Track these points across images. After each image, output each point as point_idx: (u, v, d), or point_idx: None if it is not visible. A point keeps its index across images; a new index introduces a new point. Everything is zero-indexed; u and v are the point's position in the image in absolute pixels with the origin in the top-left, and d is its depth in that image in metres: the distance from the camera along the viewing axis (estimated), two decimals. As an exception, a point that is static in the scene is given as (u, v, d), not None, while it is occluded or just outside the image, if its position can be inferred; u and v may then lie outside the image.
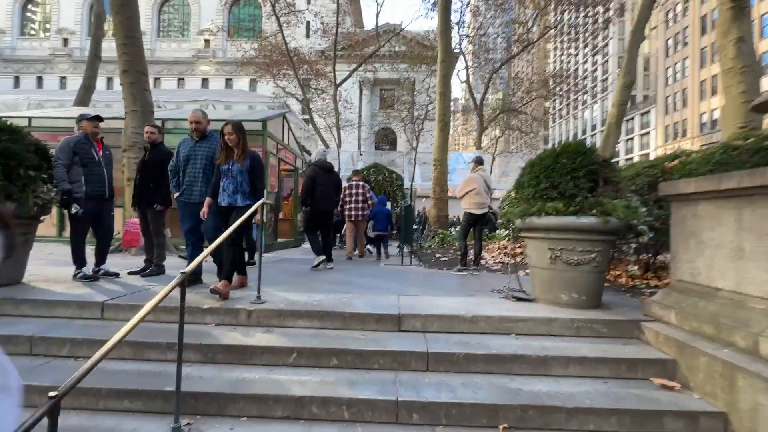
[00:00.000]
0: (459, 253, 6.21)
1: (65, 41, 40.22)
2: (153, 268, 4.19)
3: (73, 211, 3.67)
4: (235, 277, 3.52)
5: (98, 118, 4.01)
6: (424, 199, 28.10)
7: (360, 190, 6.68)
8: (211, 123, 4.07)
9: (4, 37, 39.07)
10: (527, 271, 3.70)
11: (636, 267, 4.43)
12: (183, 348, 1.99)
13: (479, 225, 5.20)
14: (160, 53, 42.26)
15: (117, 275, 3.99)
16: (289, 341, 2.57)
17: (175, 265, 4.81)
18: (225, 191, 3.42)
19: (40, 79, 40.06)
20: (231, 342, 2.56)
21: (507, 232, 3.89)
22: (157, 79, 42.14)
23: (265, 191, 3.49)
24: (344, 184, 6.67)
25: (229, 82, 41.86)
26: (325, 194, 5.22)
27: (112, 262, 4.41)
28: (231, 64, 40.04)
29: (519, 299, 3.30)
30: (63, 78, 40.20)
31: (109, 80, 37.87)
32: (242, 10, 41.52)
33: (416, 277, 4.73)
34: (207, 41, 42.08)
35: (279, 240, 8.79)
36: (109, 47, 9.28)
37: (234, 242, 3.32)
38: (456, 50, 20.19)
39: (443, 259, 6.67)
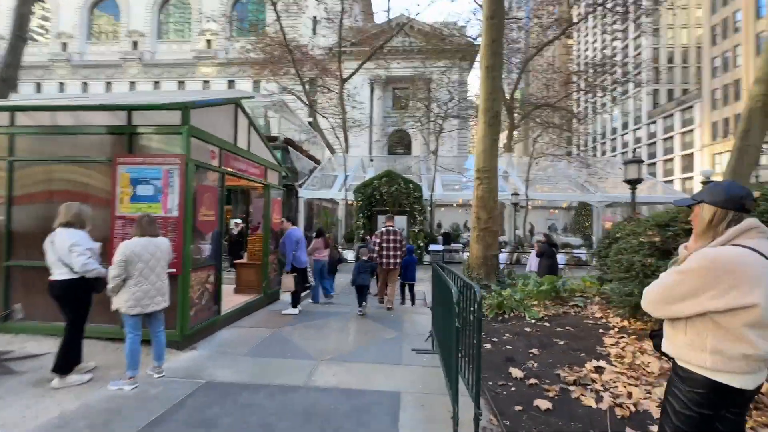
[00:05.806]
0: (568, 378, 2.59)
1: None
2: None
3: None
4: None
5: None
6: (442, 208, 24.45)
7: (398, 237, 6.60)
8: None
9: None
10: None
11: None
12: None
13: (736, 417, 1.62)
14: (159, 56, 40.18)
15: None
16: None
17: None
18: None
19: None
20: None
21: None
22: (156, 83, 39.94)
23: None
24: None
25: (231, 84, 39.33)
26: None
27: None
28: (233, 65, 37.59)
29: None
30: None
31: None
32: (245, 6, 38.97)
33: None
34: (209, 41, 39.73)
35: (229, 309, 5.27)
36: None
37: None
38: (477, 42, 16.57)
39: (540, 405, 3.00)
